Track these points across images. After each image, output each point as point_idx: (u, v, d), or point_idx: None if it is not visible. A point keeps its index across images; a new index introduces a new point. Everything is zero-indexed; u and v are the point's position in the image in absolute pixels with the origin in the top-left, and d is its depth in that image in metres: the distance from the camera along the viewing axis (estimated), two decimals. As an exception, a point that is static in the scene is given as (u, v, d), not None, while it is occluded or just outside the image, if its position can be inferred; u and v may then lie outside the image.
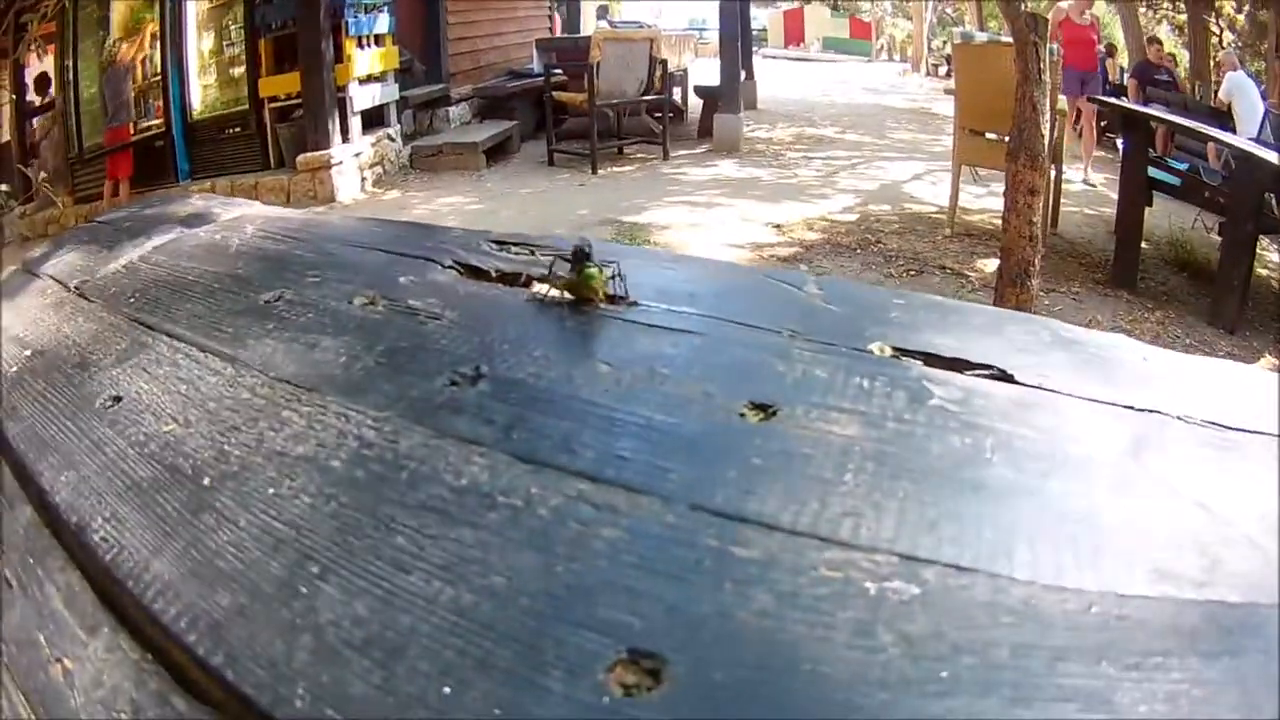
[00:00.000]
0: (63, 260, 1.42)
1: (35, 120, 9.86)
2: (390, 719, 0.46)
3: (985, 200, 7.96)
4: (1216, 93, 11.31)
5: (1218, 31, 13.49)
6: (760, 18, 24.32)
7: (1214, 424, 0.66)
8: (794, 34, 30.55)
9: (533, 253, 1.04)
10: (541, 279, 0.88)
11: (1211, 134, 7.68)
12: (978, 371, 0.72)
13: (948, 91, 13.60)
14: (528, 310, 0.91)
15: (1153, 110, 8.92)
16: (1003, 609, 0.48)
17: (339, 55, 8.76)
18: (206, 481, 0.70)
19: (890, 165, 10.06)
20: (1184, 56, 14.36)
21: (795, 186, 8.79)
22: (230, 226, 1.46)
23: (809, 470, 0.60)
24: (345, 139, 8.76)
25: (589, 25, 15.17)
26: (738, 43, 10.81)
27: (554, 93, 10.25)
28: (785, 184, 8.86)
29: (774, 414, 0.66)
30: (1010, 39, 6.21)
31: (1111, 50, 14.81)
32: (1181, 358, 0.80)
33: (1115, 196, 7.37)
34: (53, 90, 9.73)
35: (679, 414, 0.67)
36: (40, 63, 9.85)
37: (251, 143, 9.43)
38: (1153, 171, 7.62)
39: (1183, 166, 8.75)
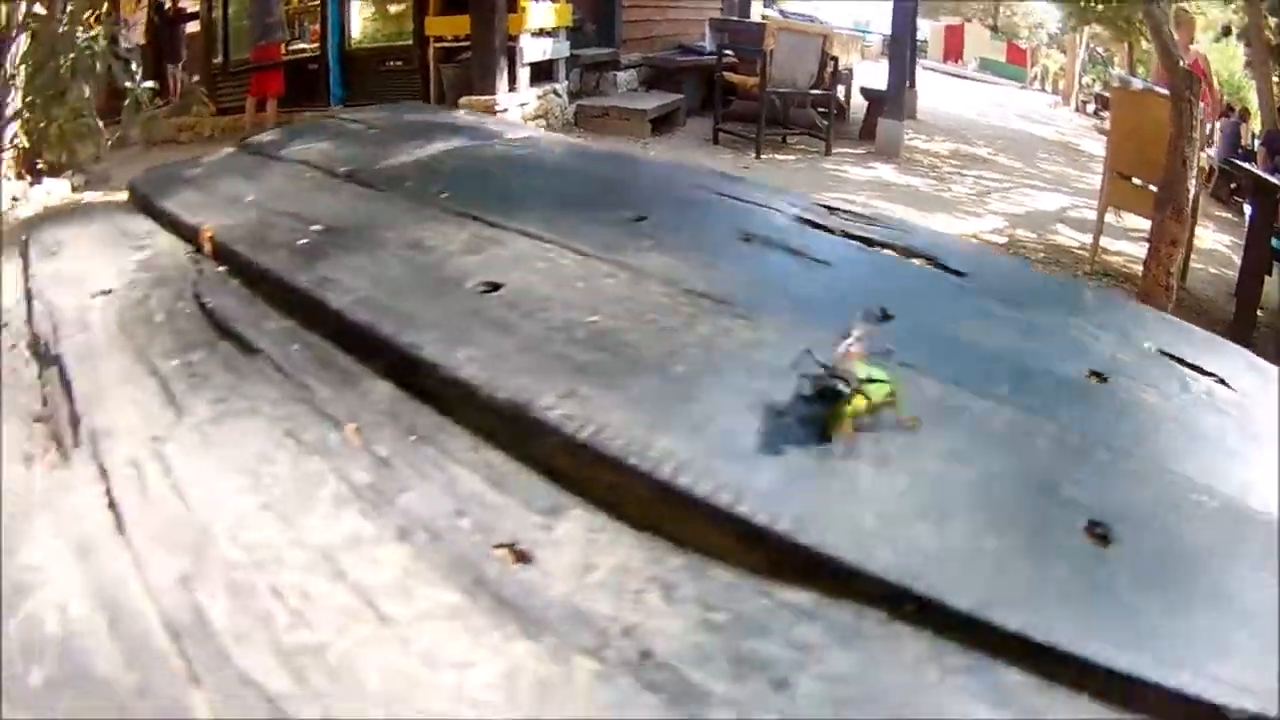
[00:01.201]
0: (307, 149, 1.44)
1: (184, 27, 9.95)
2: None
3: (1122, 244, 7.84)
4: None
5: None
6: (922, 28, 24.03)
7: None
8: (953, 49, 30.17)
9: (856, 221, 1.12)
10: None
11: None
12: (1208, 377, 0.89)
13: (1099, 130, 13.43)
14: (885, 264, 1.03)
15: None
16: None
17: (512, 4, 8.70)
18: (680, 369, 0.70)
19: (1038, 194, 9.86)
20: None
21: (949, 201, 8.70)
22: (529, 144, 1.47)
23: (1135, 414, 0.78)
24: (512, 88, 8.73)
25: (756, 11, 15.03)
26: (906, 49, 10.71)
27: (725, 73, 10.20)
28: (940, 197, 8.75)
29: (1107, 380, 0.81)
30: (1164, 90, 6.19)
31: (1245, 115, 14.51)
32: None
33: (1237, 259, 7.26)
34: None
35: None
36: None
37: (411, 78, 9.47)
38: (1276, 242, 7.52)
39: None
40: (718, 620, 0.48)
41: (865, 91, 11.42)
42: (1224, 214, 10.42)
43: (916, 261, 1.02)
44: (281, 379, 0.73)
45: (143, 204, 1.24)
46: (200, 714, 0.44)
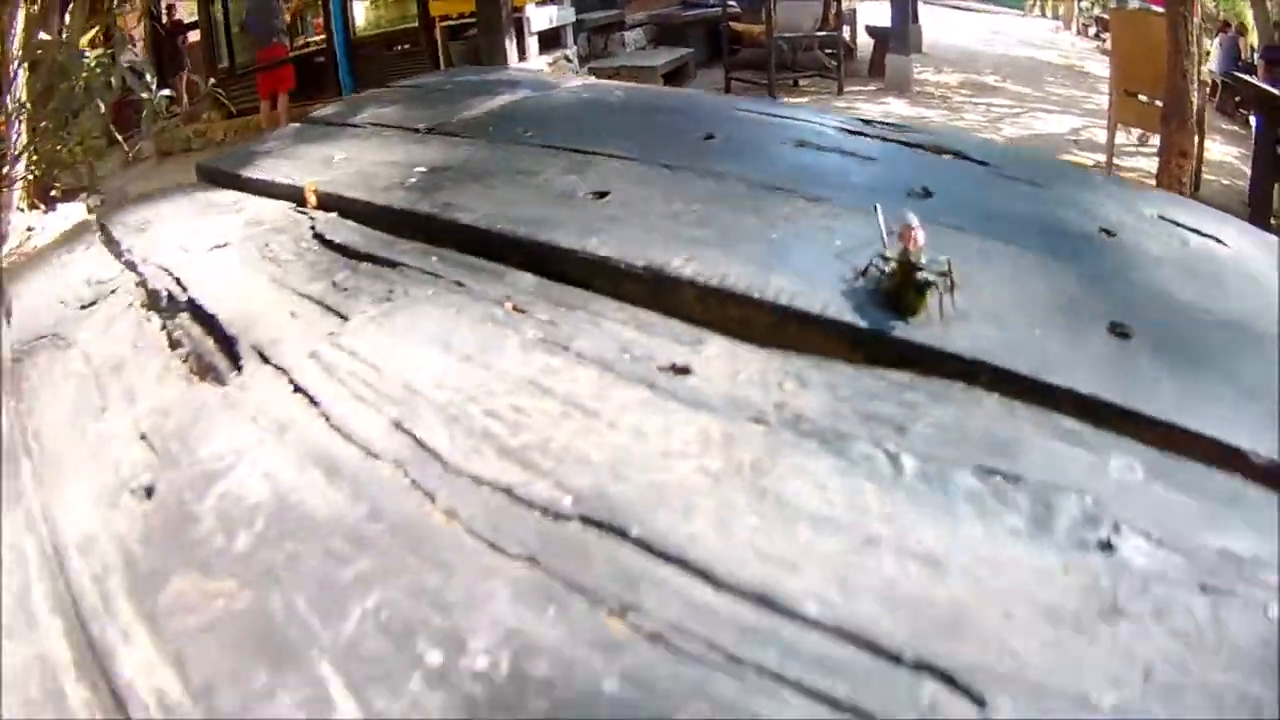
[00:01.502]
0: (378, 113, 1.55)
1: (186, 36, 10.05)
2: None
3: (1137, 160, 7.95)
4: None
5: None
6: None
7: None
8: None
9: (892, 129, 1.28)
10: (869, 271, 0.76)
11: None
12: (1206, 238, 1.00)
13: (1101, 52, 13.52)
14: (913, 156, 1.17)
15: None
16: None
17: None
18: (774, 236, 0.84)
19: (1049, 117, 9.98)
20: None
21: (963, 129, 8.78)
22: (590, 88, 1.61)
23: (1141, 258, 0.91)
24: (522, 58, 8.78)
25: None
26: (908, -16, 10.78)
27: (730, 23, 10.35)
28: (953, 126, 8.83)
29: (1115, 235, 0.94)
30: (1158, 8, 6.41)
31: (1242, 29, 14.57)
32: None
33: (1247, 170, 7.43)
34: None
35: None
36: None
37: (420, 60, 9.53)
38: (1281, 150, 7.63)
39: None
40: (844, 394, 0.61)
41: (871, 30, 11.52)
42: (1230, 127, 10.52)
43: (947, 156, 1.15)
44: (433, 279, 0.84)
45: (221, 179, 1.34)
46: (437, 519, 0.54)
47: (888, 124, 1.29)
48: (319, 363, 0.73)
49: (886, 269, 0.72)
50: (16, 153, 5.14)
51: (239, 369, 0.76)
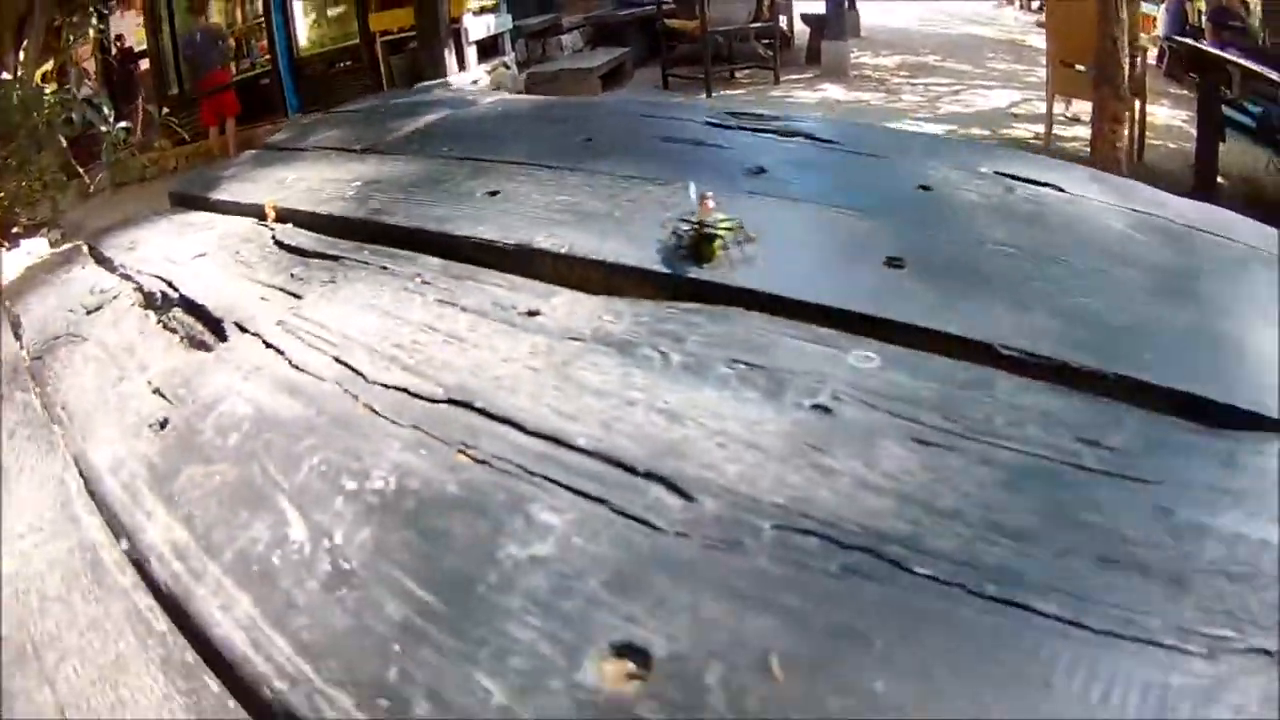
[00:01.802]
0: (323, 137, 1.83)
1: (137, 65, 10.09)
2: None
3: (1077, 129, 8.10)
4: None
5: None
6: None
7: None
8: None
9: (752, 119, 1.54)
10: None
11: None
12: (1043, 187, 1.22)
13: (1040, 25, 13.67)
14: (764, 142, 1.42)
15: (1234, 55, 9.01)
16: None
17: None
18: (617, 214, 1.11)
19: (989, 93, 10.12)
20: (1256, 2, 14.18)
21: (900, 110, 8.99)
22: (500, 103, 1.90)
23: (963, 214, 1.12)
24: (462, 68, 9.03)
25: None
26: (841, -29, 11.00)
27: (666, 20, 10.60)
28: (891, 108, 9.05)
29: (930, 189, 1.18)
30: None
31: (1189, -10, 14.84)
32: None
33: (1194, 133, 7.51)
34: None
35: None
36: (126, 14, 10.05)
37: (363, 75, 9.70)
38: (1229, 113, 7.75)
39: (1257, 110, 8.80)
40: (644, 320, 0.88)
41: (806, 18, 11.69)
42: (1180, 91, 10.50)
43: (797, 138, 1.42)
44: (365, 266, 1.11)
45: (193, 203, 1.61)
46: (359, 410, 0.81)
47: (752, 114, 1.56)
48: (283, 328, 1.00)
49: (686, 230, 0.99)
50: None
51: (225, 339, 1.03)
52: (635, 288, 0.95)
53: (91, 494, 0.85)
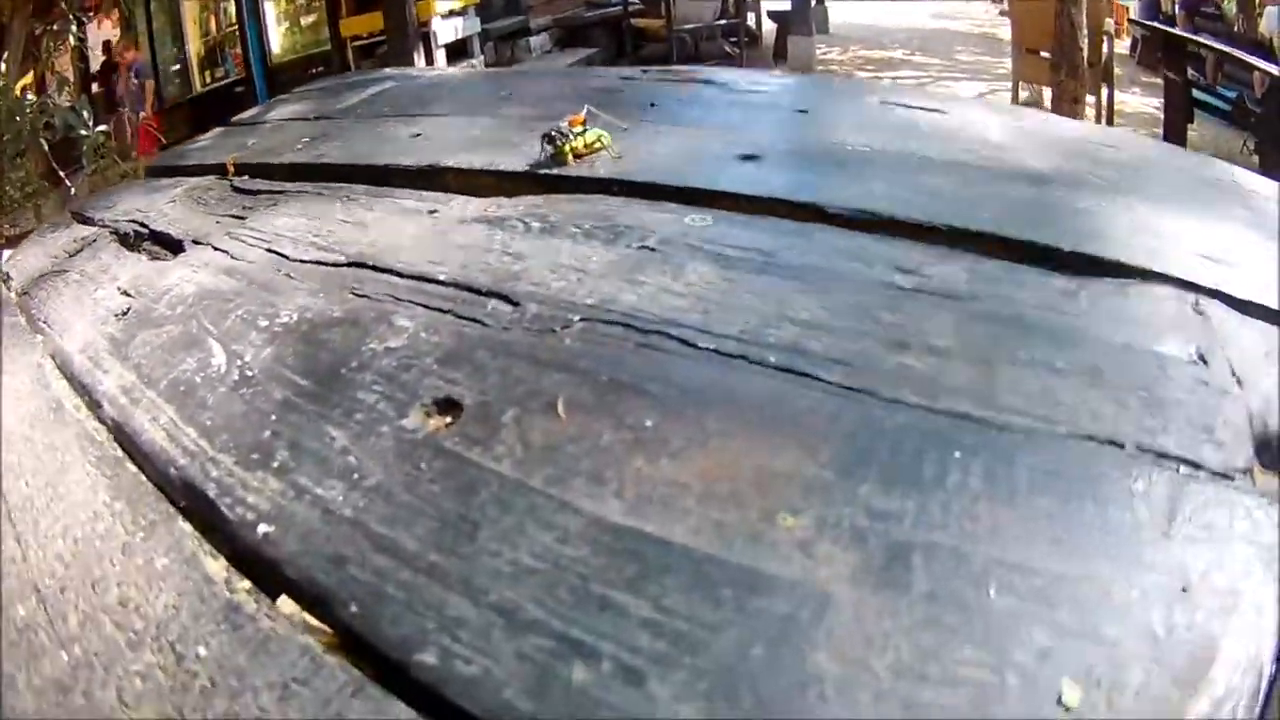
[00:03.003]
0: (283, 110, 2.03)
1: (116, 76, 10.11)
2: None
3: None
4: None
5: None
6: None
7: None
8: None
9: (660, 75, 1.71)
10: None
11: (1251, 61, 7.77)
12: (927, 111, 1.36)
13: (1002, 14, 13.77)
14: (667, 86, 1.58)
15: (1202, 38, 9.15)
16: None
17: None
18: (515, 140, 1.28)
19: (956, 85, 10.24)
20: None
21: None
22: (441, 77, 2.08)
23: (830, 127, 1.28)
24: None
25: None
26: (807, -34, 11.12)
27: (633, 20, 10.76)
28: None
29: (807, 112, 1.36)
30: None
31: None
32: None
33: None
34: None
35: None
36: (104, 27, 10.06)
37: None
38: (1203, 97, 7.88)
39: (1232, 94, 8.96)
40: (520, 208, 1.05)
41: (772, 14, 11.70)
42: (1153, 79, 10.55)
43: (696, 83, 1.60)
44: (303, 194, 1.28)
45: (164, 172, 1.76)
46: (280, 279, 0.96)
47: (663, 69, 1.74)
48: (230, 236, 1.17)
49: (556, 139, 1.16)
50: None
51: (183, 251, 1.20)
52: (517, 188, 1.12)
53: (60, 368, 1.01)
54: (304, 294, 0.93)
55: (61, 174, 6.62)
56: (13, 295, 1.36)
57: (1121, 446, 0.58)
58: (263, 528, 0.62)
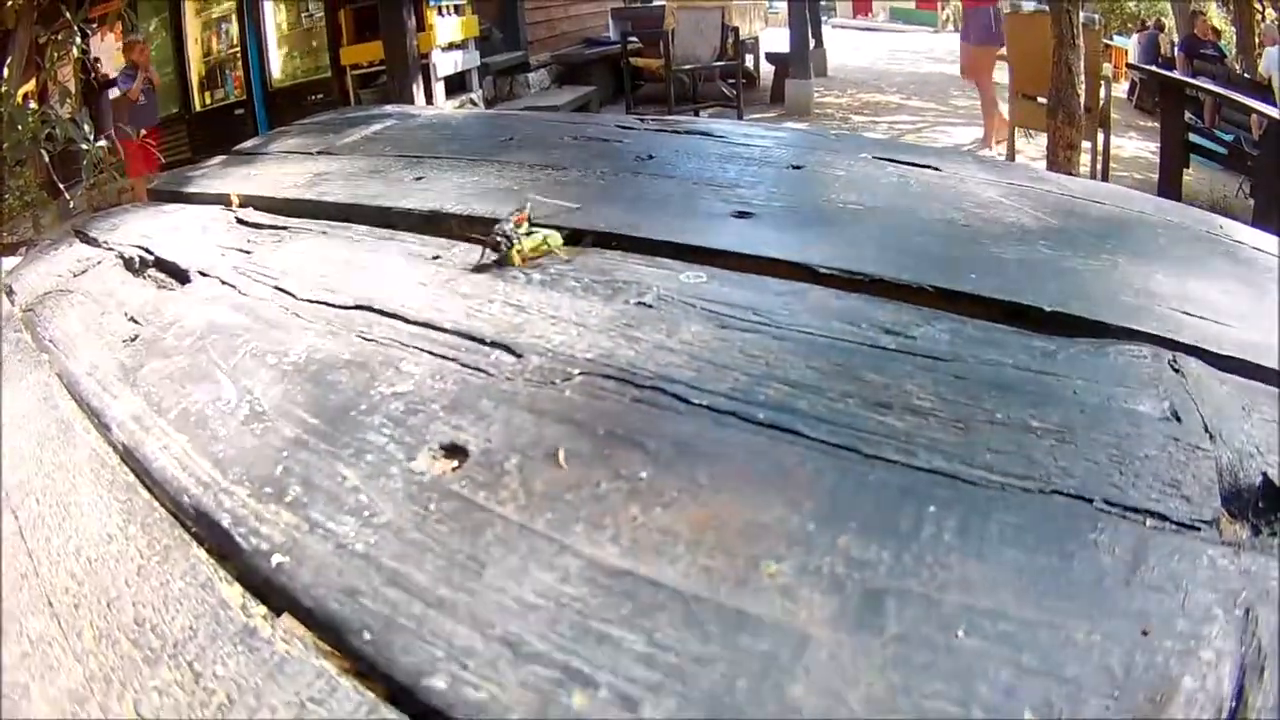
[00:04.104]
0: (284, 143, 2.07)
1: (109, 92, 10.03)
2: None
3: (1040, 164, 8.24)
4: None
5: (1261, 8, 13.60)
6: (828, -12, 24.37)
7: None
8: (862, 5, 30.85)
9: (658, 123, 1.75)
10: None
11: (1248, 103, 7.80)
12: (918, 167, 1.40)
13: (999, 58, 13.89)
14: (664, 137, 1.62)
15: (1198, 81, 9.21)
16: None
17: (420, 24, 9.08)
18: (516, 189, 1.33)
19: (953, 130, 10.39)
20: (1230, 32, 14.55)
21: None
22: (440, 117, 2.13)
23: (824, 184, 1.32)
24: (430, 102, 9.10)
25: (658, -5, 15.44)
26: (804, 10, 11.22)
27: (631, 59, 10.81)
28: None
29: (801, 168, 1.41)
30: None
31: (1161, 26, 15.17)
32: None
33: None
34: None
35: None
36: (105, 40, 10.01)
37: (333, 108, 9.69)
38: (1200, 140, 7.91)
39: (1229, 137, 9.02)
40: (537, 261, 1.09)
41: (770, 56, 11.91)
42: (1150, 124, 10.64)
43: (694, 135, 1.65)
44: (308, 232, 1.33)
45: (168, 197, 1.81)
46: (287, 318, 1.01)
47: (660, 119, 1.80)
48: (236, 270, 1.21)
49: (500, 244, 1.11)
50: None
51: (189, 281, 1.23)
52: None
53: (68, 389, 1.04)
54: (312, 334, 0.98)
55: (61, 186, 6.61)
56: (17, 311, 1.39)
57: (1090, 501, 0.62)
58: (277, 558, 0.66)
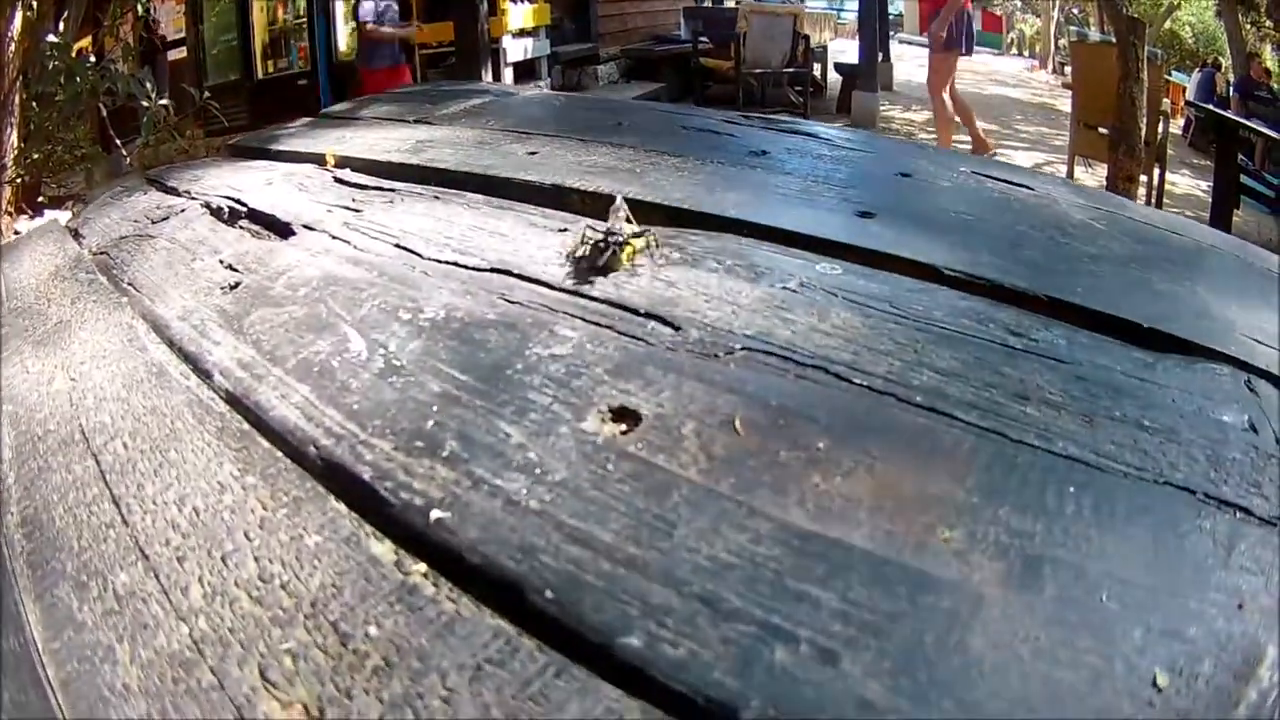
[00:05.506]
0: (377, 110, 2.07)
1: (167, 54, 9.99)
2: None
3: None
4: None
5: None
6: (896, 3, 24.17)
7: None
8: (928, 22, 30.66)
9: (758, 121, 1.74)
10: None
11: None
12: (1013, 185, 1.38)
13: (1067, 86, 13.76)
14: (771, 135, 1.63)
15: (1253, 124, 9.10)
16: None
17: (493, 9, 9.10)
18: (637, 170, 1.32)
19: (1014, 154, 10.23)
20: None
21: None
22: (541, 95, 2.14)
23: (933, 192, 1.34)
24: None
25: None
26: (875, 24, 11.20)
27: (701, 59, 10.82)
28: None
29: (910, 176, 1.36)
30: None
31: (1217, 65, 15.07)
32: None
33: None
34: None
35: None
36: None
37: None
38: (1249, 182, 7.82)
39: (1277, 181, 8.92)
40: (672, 241, 1.06)
41: (839, 67, 11.88)
42: (1203, 162, 10.57)
43: (798, 134, 1.64)
44: (419, 196, 1.31)
45: (251, 154, 1.82)
46: (415, 275, 0.99)
47: (763, 116, 1.79)
48: (348, 227, 1.20)
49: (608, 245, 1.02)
50: (7, 156, 5.12)
51: (293, 234, 1.22)
52: (652, 220, 1.13)
53: (159, 332, 1.03)
54: (448, 293, 0.96)
55: (118, 142, 6.62)
56: (86, 253, 1.38)
57: (1194, 493, 0.68)
58: (435, 513, 0.64)
